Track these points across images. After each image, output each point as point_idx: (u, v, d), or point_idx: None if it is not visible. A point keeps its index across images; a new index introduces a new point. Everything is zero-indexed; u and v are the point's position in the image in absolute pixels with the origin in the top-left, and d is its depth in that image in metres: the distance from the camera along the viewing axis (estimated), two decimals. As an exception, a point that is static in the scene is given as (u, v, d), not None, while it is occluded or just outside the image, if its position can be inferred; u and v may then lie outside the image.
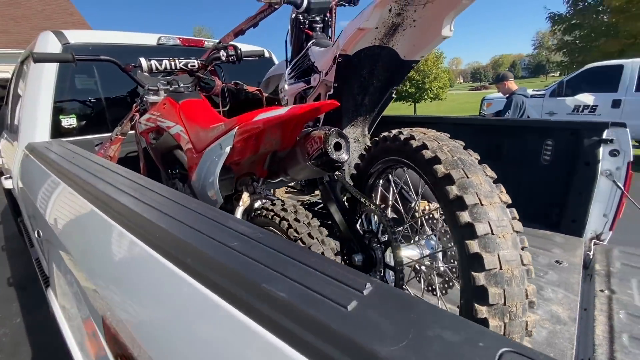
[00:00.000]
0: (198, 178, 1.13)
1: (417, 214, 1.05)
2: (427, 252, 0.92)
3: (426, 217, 0.98)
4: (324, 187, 1.14)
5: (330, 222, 1.09)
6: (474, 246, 0.62)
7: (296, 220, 0.94)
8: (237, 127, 0.89)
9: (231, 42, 1.79)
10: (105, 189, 0.78)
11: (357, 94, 1.30)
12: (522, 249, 0.64)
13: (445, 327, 0.31)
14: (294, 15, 1.93)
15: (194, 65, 1.62)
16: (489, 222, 0.63)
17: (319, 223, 0.96)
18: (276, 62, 2.92)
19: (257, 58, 2.07)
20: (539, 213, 1.97)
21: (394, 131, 0.95)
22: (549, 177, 1.95)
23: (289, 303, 0.36)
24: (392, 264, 0.88)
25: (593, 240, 1.79)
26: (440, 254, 0.96)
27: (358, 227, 1.05)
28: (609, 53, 9.12)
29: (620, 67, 6.58)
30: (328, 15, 2.01)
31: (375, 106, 1.36)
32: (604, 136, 1.73)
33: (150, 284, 0.57)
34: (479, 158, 0.76)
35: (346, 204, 1.16)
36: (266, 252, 0.47)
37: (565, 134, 1.87)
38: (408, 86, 15.17)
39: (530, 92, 7.94)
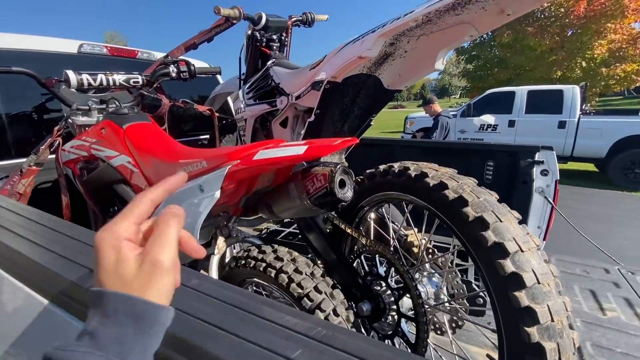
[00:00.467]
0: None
1: (414, 249, 1.01)
2: (442, 294, 0.87)
3: (430, 253, 0.94)
4: (305, 222, 1.03)
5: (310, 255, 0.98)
6: (523, 299, 0.58)
7: (297, 271, 0.81)
8: (229, 166, 0.73)
9: (181, 57, 1.57)
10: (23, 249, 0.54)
11: (338, 120, 1.23)
12: (563, 295, 0.63)
13: None
14: (250, 31, 1.80)
15: (138, 81, 1.36)
16: (532, 270, 0.60)
17: (322, 271, 0.84)
18: (220, 80, 2.71)
19: (210, 75, 1.87)
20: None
21: (397, 165, 0.89)
22: (491, 194, 2.13)
23: None
24: (409, 313, 0.81)
25: (531, 236, 2.00)
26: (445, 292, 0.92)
27: (359, 270, 0.96)
28: (501, 81, 10.91)
29: (513, 93, 7.85)
30: (284, 34, 1.93)
31: (354, 133, 1.30)
32: (536, 158, 1.97)
33: None
34: (498, 197, 0.74)
35: (328, 235, 1.06)
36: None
37: (504, 156, 2.08)
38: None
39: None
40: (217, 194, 0.74)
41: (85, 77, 1.23)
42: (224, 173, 0.73)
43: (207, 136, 2.47)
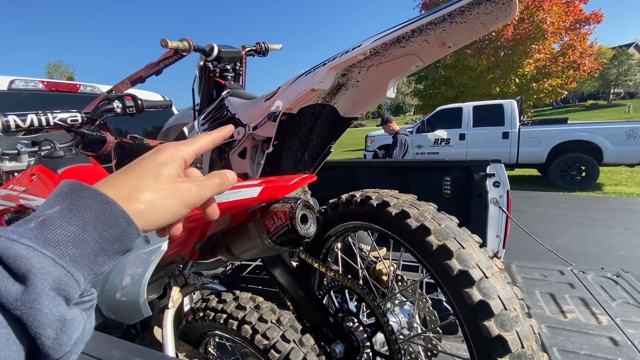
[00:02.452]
0: (103, 283, 0.80)
1: (383, 277, 0.99)
2: (414, 322, 0.84)
3: (400, 280, 0.92)
4: (270, 257, 0.97)
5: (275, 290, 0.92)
6: (493, 328, 0.57)
7: (262, 320, 0.74)
8: None
9: (127, 92, 1.49)
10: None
11: (297, 150, 1.21)
12: (529, 318, 0.63)
13: None
14: (202, 62, 1.76)
15: (76, 119, 1.25)
16: (499, 296, 0.60)
17: (289, 316, 0.79)
18: (175, 111, 2.62)
19: (160, 109, 1.78)
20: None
21: (358, 194, 0.88)
22: (451, 208, 2.19)
23: None
24: (383, 350, 0.77)
25: (493, 260, 2.09)
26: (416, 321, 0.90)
27: (329, 306, 0.92)
28: (449, 98, 11.76)
29: (460, 109, 8.46)
30: (239, 64, 1.92)
31: (314, 161, 1.29)
32: (488, 171, 2.09)
33: None
34: (458, 221, 0.75)
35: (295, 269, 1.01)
36: None
37: (459, 171, 2.19)
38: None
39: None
40: (164, 245, 0.67)
41: (12, 119, 1.10)
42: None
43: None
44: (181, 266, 0.96)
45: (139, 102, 1.40)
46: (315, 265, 0.94)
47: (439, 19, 0.70)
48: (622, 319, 1.47)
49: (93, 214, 0.26)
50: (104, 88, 2.23)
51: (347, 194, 0.94)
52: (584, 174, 7.22)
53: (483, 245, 1.88)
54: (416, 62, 0.86)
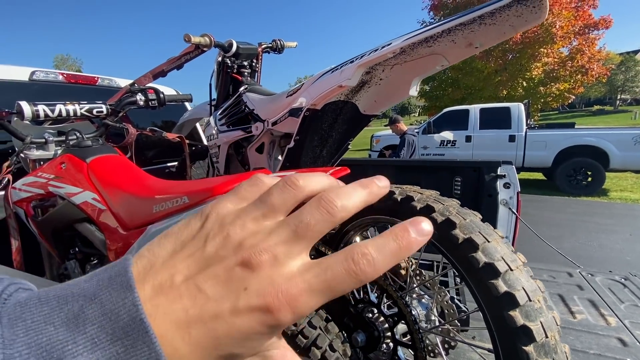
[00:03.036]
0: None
1: (401, 271, 1.01)
2: (432, 315, 0.87)
3: (417, 274, 0.94)
4: None
5: None
6: (517, 318, 0.59)
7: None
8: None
9: (150, 85, 1.52)
10: None
11: (317, 145, 1.23)
12: (552, 309, 0.65)
13: None
14: (220, 58, 1.79)
15: (102, 111, 1.28)
16: (523, 288, 0.62)
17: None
18: (188, 106, 2.65)
19: (181, 103, 1.81)
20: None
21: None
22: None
23: None
24: (404, 340, 0.79)
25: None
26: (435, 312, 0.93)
27: (346, 297, 0.94)
28: (455, 100, 11.75)
29: (467, 111, 8.44)
30: (255, 61, 1.94)
31: (332, 157, 1.31)
32: (498, 172, 2.11)
33: None
34: (481, 217, 0.77)
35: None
36: None
37: (470, 171, 2.20)
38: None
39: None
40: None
41: (42, 108, 1.14)
42: None
43: (175, 163, 2.37)
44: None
45: (161, 95, 1.44)
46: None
47: (469, 21, 0.72)
48: (630, 320, 1.49)
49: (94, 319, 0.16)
50: (121, 81, 2.27)
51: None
52: (590, 179, 7.19)
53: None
54: (441, 62, 0.88)
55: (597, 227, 5.08)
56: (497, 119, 8.17)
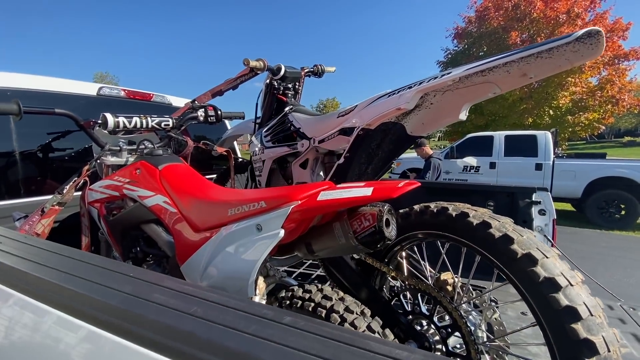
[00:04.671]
0: (205, 267, 0.91)
1: (448, 287, 1.04)
2: (481, 331, 0.89)
3: (466, 292, 0.98)
4: (334, 261, 1.06)
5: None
6: (581, 331, 0.63)
7: (348, 310, 0.82)
8: (292, 205, 0.77)
9: (209, 102, 1.66)
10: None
11: (363, 163, 1.31)
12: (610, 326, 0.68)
13: None
14: (268, 80, 1.94)
15: (168, 124, 1.42)
16: (584, 303, 0.65)
17: (370, 310, 0.86)
18: (228, 124, 2.83)
19: (236, 119, 1.96)
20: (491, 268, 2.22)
21: (433, 205, 0.96)
22: (493, 233, 2.24)
23: None
24: (459, 351, 0.82)
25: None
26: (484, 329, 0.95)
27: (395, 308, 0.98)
28: (478, 126, 11.68)
29: (491, 137, 8.38)
30: (298, 83, 2.08)
31: (376, 174, 1.39)
32: (534, 198, 2.10)
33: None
34: (536, 234, 0.81)
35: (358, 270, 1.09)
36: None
37: (503, 196, 2.21)
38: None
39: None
40: (282, 232, 0.77)
41: (122, 120, 1.28)
42: (287, 212, 0.77)
43: (214, 176, 2.50)
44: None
45: (219, 112, 1.57)
46: (384, 269, 1.02)
47: (527, 55, 0.79)
48: (679, 358, 1.42)
49: None
50: (172, 99, 2.47)
51: (419, 205, 1.02)
52: (623, 212, 6.88)
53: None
54: (493, 90, 0.96)
55: (632, 263, 4.81)
56: (522, 147, 8.05)
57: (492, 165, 8.39)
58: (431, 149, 5.19)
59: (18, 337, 0.59)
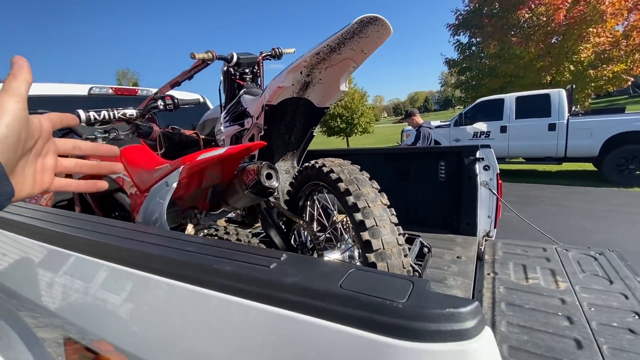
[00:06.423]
0: (144, 215, 1.25)
1: (336, 225, 1.32)
2: (346, 253, 1.17)
3: (344, 226, 1.25)
4: (263, 215, 1.35)
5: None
6: (365, 235, 0.89)
7: (238, 240, 1.13)
8: (182, 166, 1.08)
9: (168, 93, 1.97)
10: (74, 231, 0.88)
11: (284, 134, 1.57)
12: (399, 235, 0.93)
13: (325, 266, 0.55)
14: (225, 68, 2.20)
15: (132, 115, 1.75)
16: (374, 218, 0.91)
17: (257, 240, 1.16)
18: (211, 106, 3.14)
19: (192, 105, 2.27)
20: (444, 221, 2.42)
21: (312, 162, 1.22)
22: (446, 191, 2.43)
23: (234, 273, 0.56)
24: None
25: (484, 238, 2.26)
26: (355, 253, 1.22)
27: (292, 242, 1.28)
28: (493, 89, 11.22)
29: (502, 100, 8.13)
30: (256, 67, 2.33)
31: (300, 143, 1.64)
32: (477, 155, 2.26)
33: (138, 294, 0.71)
34: (369, 176, 1.06)
35: (283, 226, 1.39)
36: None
37: (452, 156, 2.38)
38: (339, 122, 16.43)
39: (438, 122, 9.30)
40: (175, 185, 1.08)
41: (92, 114, 1.63)
42: (179, 170, 1.08)
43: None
44: (197, 213, 1.39)
45: (176, 100, 1.88)
46: (284, 212, 1.31)
47: (349, 35, 1.01)
48: (582, 285, 1.60)
49: None
50: (154, 91, 2.81)
51: (308, 162, 1.28)
52: (644, 167, 6.57)
53: (473, 224, 2.11)
54: (352, 64, 1.18)
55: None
56: (535, 107, 7.78)
57: (503, 129, 8.21)
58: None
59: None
